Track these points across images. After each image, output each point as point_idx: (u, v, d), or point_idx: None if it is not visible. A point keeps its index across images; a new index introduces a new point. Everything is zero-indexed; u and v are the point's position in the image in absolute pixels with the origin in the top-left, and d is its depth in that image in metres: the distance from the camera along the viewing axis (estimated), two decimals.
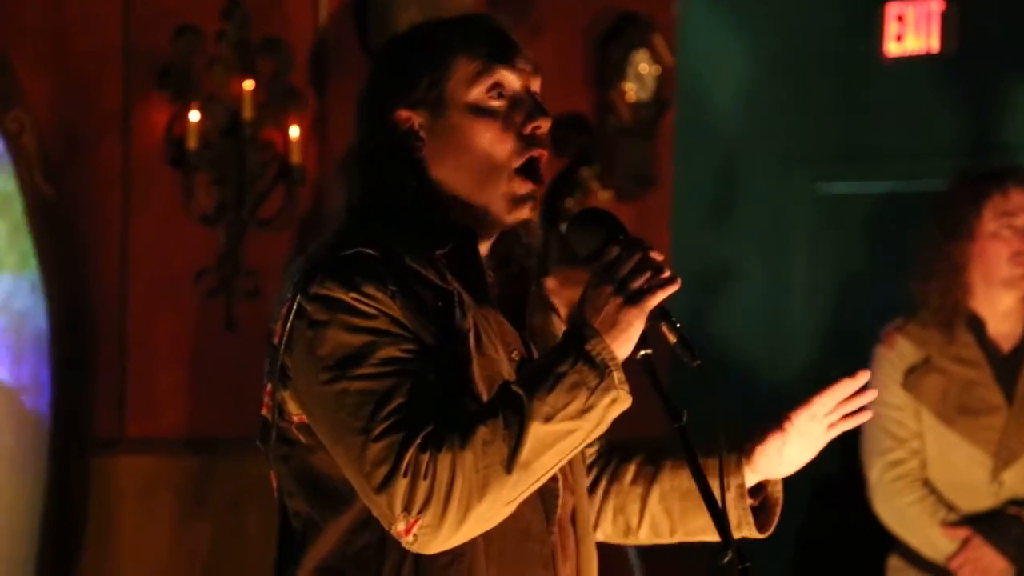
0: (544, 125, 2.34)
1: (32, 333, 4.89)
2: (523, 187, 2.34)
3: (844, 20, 6.08)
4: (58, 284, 4.87)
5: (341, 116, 5.28)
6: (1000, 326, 4.22)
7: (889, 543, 4.24)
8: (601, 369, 2.15)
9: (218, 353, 5.07)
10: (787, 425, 2.44)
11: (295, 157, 5.10)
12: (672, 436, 2.28)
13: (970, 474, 4.15)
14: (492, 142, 2.33)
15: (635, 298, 2.18)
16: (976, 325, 4.20)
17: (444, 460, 2.11)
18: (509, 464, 2.12)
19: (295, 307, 2.24)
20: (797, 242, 6.23)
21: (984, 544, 4.10)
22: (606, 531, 2.57)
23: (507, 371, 2.29)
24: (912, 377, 4.17)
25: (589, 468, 2.54)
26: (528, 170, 2.34)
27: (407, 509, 2.12)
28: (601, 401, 2.16)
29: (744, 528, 2.49)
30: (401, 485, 2.11)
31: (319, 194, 5.24)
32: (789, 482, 5.63)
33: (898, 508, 4.18)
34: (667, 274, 2.20)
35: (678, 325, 2.22)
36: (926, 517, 4.15)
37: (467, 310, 2.26)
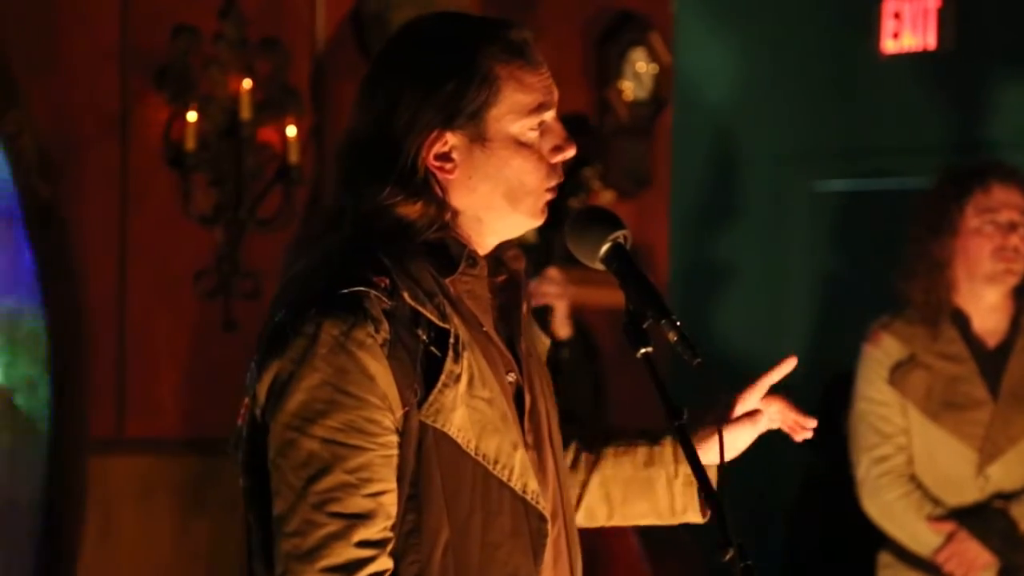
0: (570, 153, 2.34)
1: (29, 333, 4.89)
2: (546, 201, 2.36)
3: (841, 17, 6.09)
4: (56, 284, 4.86)
5: (339, 116, 5.28)
6: (985, 321, 4.23)
7: (880, 539, 4.26)
8: None
9: (217, 353, 5.07)
10: (730, 417, 2.48)
11: (293, 157, 5.09)
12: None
13: (956, 469, 4.16)
14: (528, 171, 2.30)
15: None
16: (961, 321, 4.22)
17: None
18: None
19: (282, 336, 2.20)
20: (794, 239, 6.24)
21: (969, 538, 4.11)
22: None
23: (501, 404, 2.26)
24: (898, 373, 4.19)
25: None
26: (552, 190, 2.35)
27: None
28: None
29: (689, 513, 2.53)
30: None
31: (317, 194, 5.24)
32: (778, 477, 5.63)
33: (885, 503, 4.19)
34: None
35: (678, 323, 2.21)
36: (912, 512, 4.16)
37: (462, 351, 2.23)
